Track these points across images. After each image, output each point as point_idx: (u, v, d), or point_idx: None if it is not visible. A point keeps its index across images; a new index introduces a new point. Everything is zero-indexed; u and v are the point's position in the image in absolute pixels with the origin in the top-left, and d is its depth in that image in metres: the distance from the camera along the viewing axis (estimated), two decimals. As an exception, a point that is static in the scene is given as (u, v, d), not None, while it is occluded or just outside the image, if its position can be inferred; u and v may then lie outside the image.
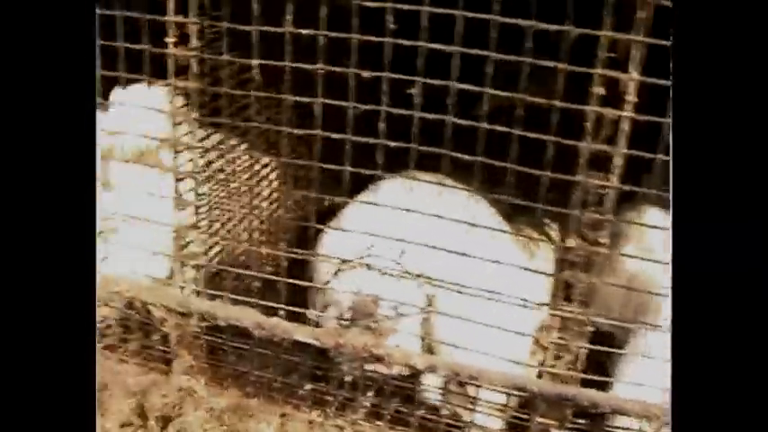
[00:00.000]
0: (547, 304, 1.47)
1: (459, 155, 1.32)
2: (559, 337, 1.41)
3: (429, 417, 1.54)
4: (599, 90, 1.25)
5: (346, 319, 1.52)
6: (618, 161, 1.28)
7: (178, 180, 1.51)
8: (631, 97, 1.23)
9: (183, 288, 1.55)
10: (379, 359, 1.45)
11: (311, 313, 1.53)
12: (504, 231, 1.66)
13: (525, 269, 1.44)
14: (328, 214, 1.78)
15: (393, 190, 1.62)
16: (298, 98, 1.37)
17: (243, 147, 1.71)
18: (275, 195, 1.96)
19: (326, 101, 1.34)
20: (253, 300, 1.52)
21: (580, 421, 1.48)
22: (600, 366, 1.50)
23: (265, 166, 1.89)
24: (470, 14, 1.22)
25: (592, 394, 1.38)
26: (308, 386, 1.60)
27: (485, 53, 1.23)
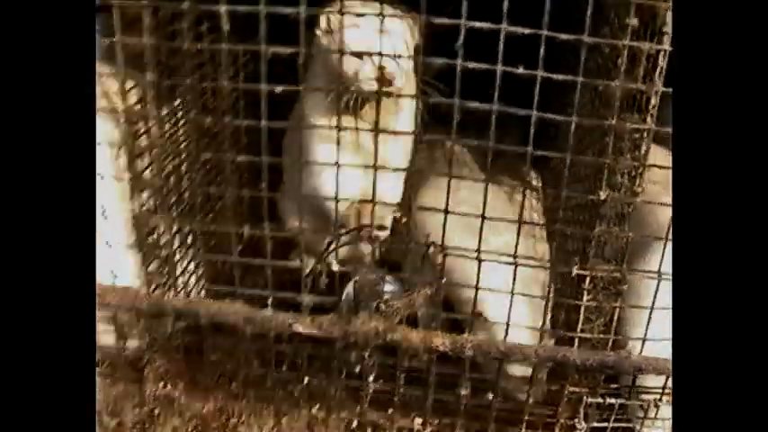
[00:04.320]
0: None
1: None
2: (592, 299, 1.28)
3: (444, 399, 1.38)
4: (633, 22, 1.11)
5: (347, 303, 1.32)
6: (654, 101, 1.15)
7: (135, 156, 1.25)
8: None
9: (151, 285, 1.30)
10: (395, 345, 1.27)
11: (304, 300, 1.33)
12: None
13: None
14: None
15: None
16: (279, 49, 1.13)
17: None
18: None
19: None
20: (235, 289, 1.31)
21: (612, 386, 1.37)
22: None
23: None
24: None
25: (637, 359, 1.25)
26: (306, 379, 1.40)
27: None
